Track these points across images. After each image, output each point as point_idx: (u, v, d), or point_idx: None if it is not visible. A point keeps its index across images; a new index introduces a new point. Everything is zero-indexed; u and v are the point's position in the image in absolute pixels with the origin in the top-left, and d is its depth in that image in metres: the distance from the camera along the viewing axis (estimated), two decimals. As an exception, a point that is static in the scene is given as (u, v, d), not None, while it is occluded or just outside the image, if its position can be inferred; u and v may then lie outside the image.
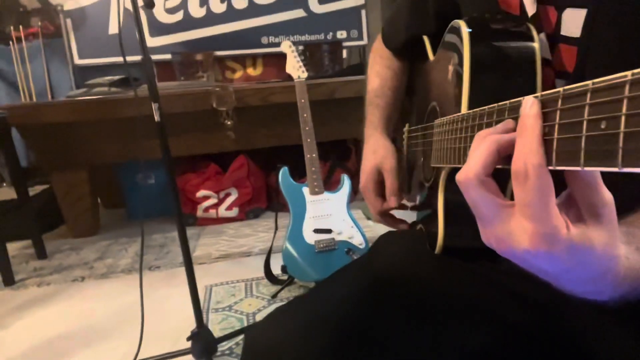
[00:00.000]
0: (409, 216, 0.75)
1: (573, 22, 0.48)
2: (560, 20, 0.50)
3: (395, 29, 0.81)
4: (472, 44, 0.49)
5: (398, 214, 0.78)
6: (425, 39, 0.70)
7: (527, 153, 0.30)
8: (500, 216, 0.33)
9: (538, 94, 0.32)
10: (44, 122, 2.18)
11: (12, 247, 2.25)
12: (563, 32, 0.49)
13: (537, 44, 0.48)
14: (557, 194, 0.31)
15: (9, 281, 1.89)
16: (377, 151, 0.78)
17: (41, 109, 2.22)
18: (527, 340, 0.53)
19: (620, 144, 0.24)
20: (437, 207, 0.56)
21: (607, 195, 0.31)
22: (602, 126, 0.25)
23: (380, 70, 0.83)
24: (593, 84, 0.26)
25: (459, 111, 0.49)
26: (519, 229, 0.31)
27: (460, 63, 0.50)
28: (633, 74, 0.24)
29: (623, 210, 0.35)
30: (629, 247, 0.33)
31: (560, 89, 0.29)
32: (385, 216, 0.79)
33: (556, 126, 0.29)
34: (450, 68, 0.54)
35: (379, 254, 0.66)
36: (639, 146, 0.23)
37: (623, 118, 0.24)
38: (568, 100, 0.29)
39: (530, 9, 0.52)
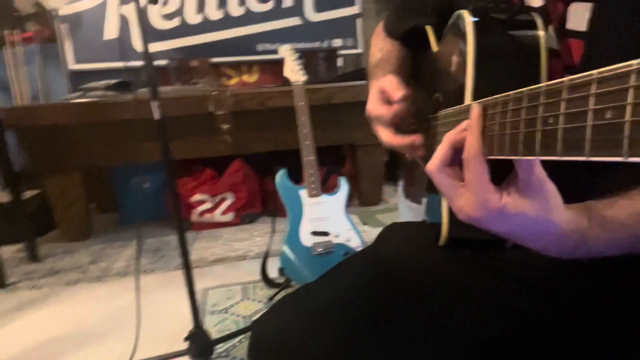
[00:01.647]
0: (417, 217, 0.75)
1: (579, 16, 0.49)
2: (567, 14, 0.50)
3: (398, 19, 0.81)
4: (476, 33, 0.49)
5: (411, 207, 0.77)
6: (429, 29, 0.70)
7: (470, 146, 0.40)
8: (456, 193, 0.43)
9: (483, 100, 0.40)
10: (39, 124, 2.17)
11: (4, 251, 2.22)
12: (569, 26, 0.50)
13: (542, 32, 0.48)
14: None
15: (1, 284, 1.86)
16: (381, 79, 0.69)
17: (37, 111, 2.21)
18: (533, 327, 0.53)
19: (626, 133, 0.24)
20: (441, 198, 0.57)
21: (540, 175, 0.39)
22: (608, 116, 0.26)
23: (383, 46, 0.81)
24: (599, 73, 0.27)
25: (463, 102, 0.49)
26: (466, 200, 0.41)
27: (464, 53, 0.49)
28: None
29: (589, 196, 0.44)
30: (590, 221, 0.42)
31: (566, 78, 0.30)
32: (396, 134, 0.65)
33: (561, 116, 0.30)
34: (454, 58, 0.54)
35: (384, 244, 0.66)
36: None
37: (628, 107, 0.24)
38: (574, 90, 0.29)
39: (538, 1, 0.53)
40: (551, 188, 0.40)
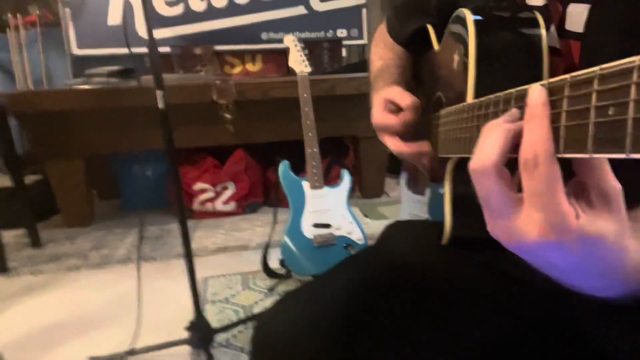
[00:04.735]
0: (421, 209, 0.75)
1: (576, 17, 0.48)
2: (565, 15, 0.50)
3: (400, 20, 0.81)
4: (478, 32, 0.48)
5: (413, 199, 0.77)
6: (430, 28, 0.70)
7: (536, 141, 0.30)
8: (511, 207, 0.32)
9: (545, 82, 0.31)
10: (42, 110, 2.16)
11: (6, 235, 2.23)
12: (567, 27, 0.50)
13: (544, 30, 0.48)
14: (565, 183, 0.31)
15: (3, 269, 1.87)
16: (385, 90, 0.69)
17: (40, 97, 2.20)
18: (535, 330, 0.53)
19: (629, 130, 0.24)
20: (444, 197, 0.56)
21: (616, 182, 0.31)
22: (610, 112, 0.25)
23: (383, 54, 0.81)
24: (601, 69, 0.26)
25: (465, 101, 0.49)
26: (528, 219, 0.31)
27: (466, 52, 0.49)
28: None
29: (630, 204, 0.35)
30: (636, 241, 0.33)
31: (567, 75, 0.29)
32: (406, 142, 0.64)
33: (563, 113, 0.29)
34: (456, 57, 0.54)
35: (387, 243, 0.66)
36: None
37: (631, 104, 0.24)
38: (575, 87, 0.28)
39: (539, 1, 0.53)
40: (623, 202, 0.31)
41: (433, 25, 0.69)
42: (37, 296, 1.68)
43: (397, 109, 0.64)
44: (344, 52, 3.31)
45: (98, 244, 2.16)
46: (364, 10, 3.33)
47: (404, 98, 0.62)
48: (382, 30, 0.85)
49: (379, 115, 0.65)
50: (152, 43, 1.10)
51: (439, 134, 0.58)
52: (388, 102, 0.65)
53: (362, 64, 2.82)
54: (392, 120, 0.63)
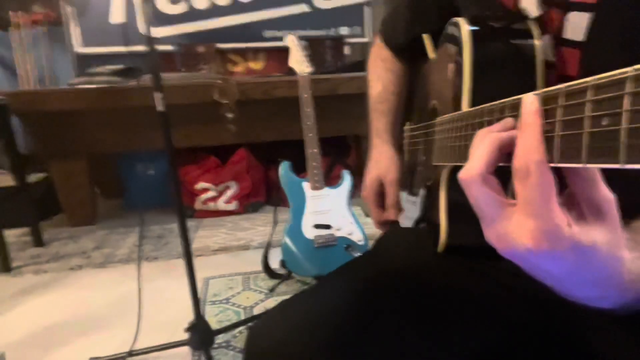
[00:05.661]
0: (415, 210, 0.75)
1: (577, 25, 0.48)
2: (563, 23, 0.49)
3: (394, 28, 0.81)
4: (473, 41, 0.49)
5: (408, 199, 0.78)
6: (426, 37, 0.70)
7: (528, 150, 0.30)
8: (502, 214, 0.32)
9: (539, 91, 0.32)
10: (45, 109, 2.17)
11: (10, 234, 2.24)
12: (565, 35, 0.49)
13: (538, 40, 0.48)
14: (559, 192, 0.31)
15: (6, 268, 1.88)
16: (380, 162, 0.79)
17: (43, 96, 2.21)
18: (530, 338, 0.53)
19: (623, 140, 0.24)
20: (439, 205, 0.56)
21: (608, 193, 0.31)
22: (604, 122, 0.25)
23: (381, 74, 0.83)
24: (594, 80, 0.26)
25: (460, 109, 0.49)
26: (521, 226, 0.31)
27: (461, 61, 0.49)
28: (636, 69, 0.24)
29: (627, 215, 0.35)
30: (632, 252, 0.33)
31: (562, 85, 0.29)
32: (385, 225, 0.81)
33: (558, 123, 0.29)
34: (451, 66, 0.54)
35: (382, 251, 0.66)
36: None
37: (624, 114, 0.24)
38: (570, 97, 0.28)
39: (535, 10, 0.52)
40: (616, 212, 0.31)
41: (431, 32, 0.69)
42: (39, 295, 1.69)
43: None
44: (346, 50, 3.30)
45: (101, 244, 2.17)
46: (367, 8, 3.32)
47: (392, 198, 0.76)
48: (379, 45, 0.86)
49: (369, 197, 0.81)
50: (152, 47, 1.10)
51: (434, 142, 0.58)
52: (380, 184, 0.78)
53: (365, 63, 2.81)
54: (379, 215, 0.80)
